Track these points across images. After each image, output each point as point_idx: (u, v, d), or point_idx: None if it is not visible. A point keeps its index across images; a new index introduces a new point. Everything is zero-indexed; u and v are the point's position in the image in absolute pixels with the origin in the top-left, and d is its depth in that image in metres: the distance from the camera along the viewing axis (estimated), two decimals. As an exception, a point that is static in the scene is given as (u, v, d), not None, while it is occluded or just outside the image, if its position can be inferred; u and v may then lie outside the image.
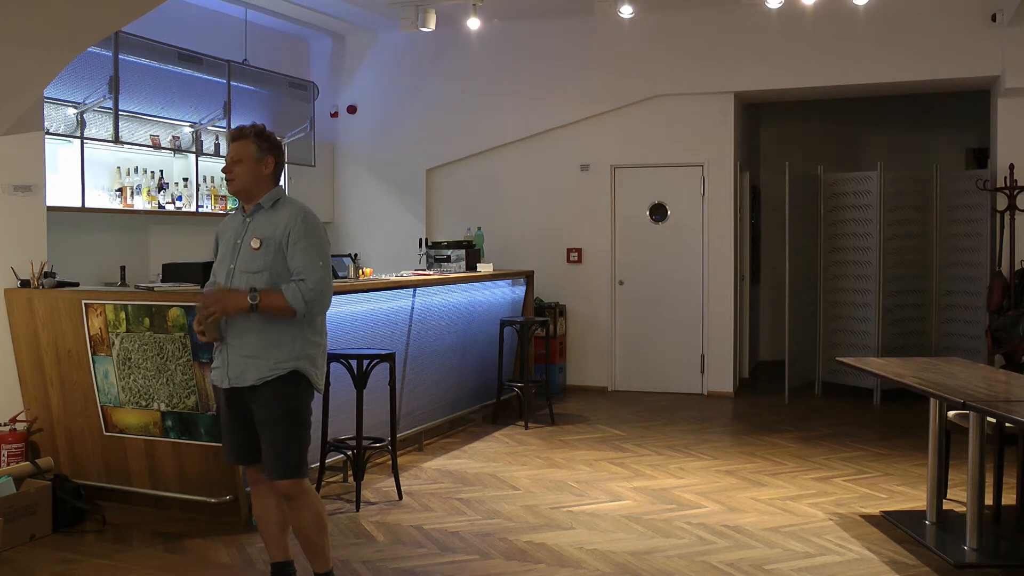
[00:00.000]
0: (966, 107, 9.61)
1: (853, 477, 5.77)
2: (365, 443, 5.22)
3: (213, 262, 3.79)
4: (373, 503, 5.20)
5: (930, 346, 8.49)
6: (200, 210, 7.52)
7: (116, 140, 6.71)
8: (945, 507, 4.84)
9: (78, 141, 6.48)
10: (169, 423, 4.84)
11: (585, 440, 6.83)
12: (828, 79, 8.34)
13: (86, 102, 6.49)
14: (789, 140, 10.73)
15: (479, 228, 8.68)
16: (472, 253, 8.10)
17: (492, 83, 9.19)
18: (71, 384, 5.07)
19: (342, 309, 5.51)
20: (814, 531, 4.69)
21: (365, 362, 5.14)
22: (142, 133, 7.08)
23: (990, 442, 4.60)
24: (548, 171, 9.11)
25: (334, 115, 9.65)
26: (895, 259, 8.41)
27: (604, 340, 8.98)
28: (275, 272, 3.53)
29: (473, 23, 8.13)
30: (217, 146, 7.78)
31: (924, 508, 4.89)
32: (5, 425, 5.02)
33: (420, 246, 8.51)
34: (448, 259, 8.07)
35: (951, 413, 4.80)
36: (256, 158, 3.63)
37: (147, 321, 4.79)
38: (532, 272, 8.40)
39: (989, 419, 4.36)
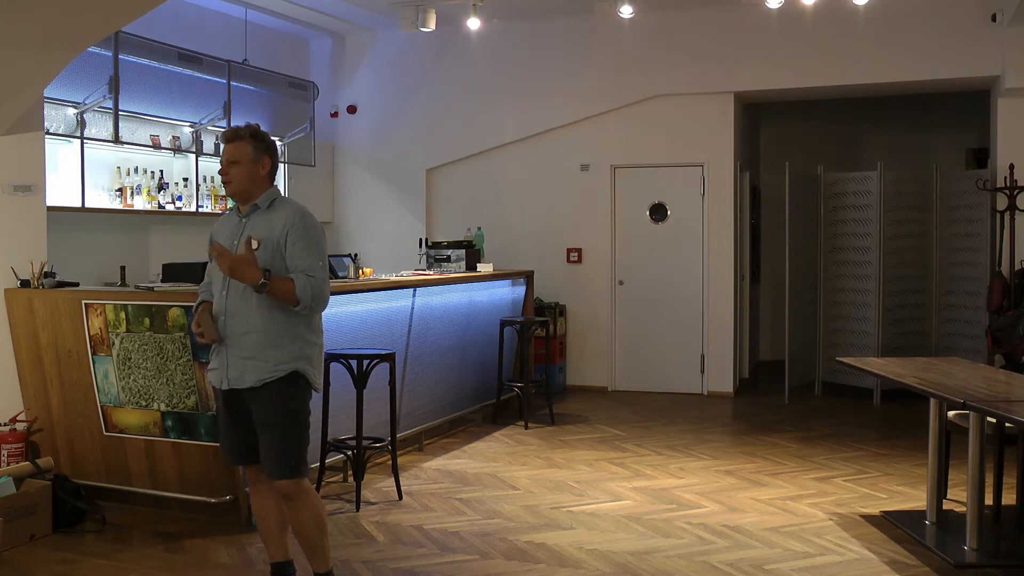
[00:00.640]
0: (966, 107, 9.61)
1: (853, 477, 5.77)
2: (365, 443, 5.22)
3: (209, 263, 3.78)
4: (373, 503, 5.20)
5: (930, 346, 8.49)
6: (200, 210, 7.52)
7: (116, 140, 6.71)
8: (945, 507, 4.84)
9: (78, 141, 6.48)
10: (169, 423, 4.84)
11: (585, 440, 6.84)
12: (828, 79, 8.34)
13: (86, 102, 6.49)
14: (789, 140, 10.73)
15: (479, 228, 8.68)
16: (472, 253, 8.10)
17: (492, 83, 9.19)
18: (71, 384, 5.07)
19: (342, 309, 5.51)
20: (814, 531, 4.69)
21: (365, 362, 5.14)
22: (142, 133, 7.08)
23: (990, 442, 4.60)
24: (548, 171, 9.11)
25: (334, 115, 9.65)
26: (895, 259, 8.41)
27: (604, 340, 8.98)
28: (274, 272, 3.52)
29: (473, 23, 8.13)
30: (217, 146, 7.77)
31: (924, 508, 4.89)
32: (5, 425, 5.02)
33: (420, 246, 8.51)
34: (448, 259, 8.07)
35: (951, 413, 4.80)
36: (252, 159, 3.61)
37: (147, 321, 4.79)
38: (532, 272, 8.40)
39: (989, 419, 4.36)
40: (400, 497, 5.28)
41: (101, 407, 5.00)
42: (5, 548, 4.37)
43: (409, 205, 9.53)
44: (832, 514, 4.98)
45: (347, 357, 5.13)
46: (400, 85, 9.52)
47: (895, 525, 4.76)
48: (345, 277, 6.34)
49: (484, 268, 7.86)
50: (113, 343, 4.90)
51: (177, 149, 7.38)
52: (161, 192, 7.19)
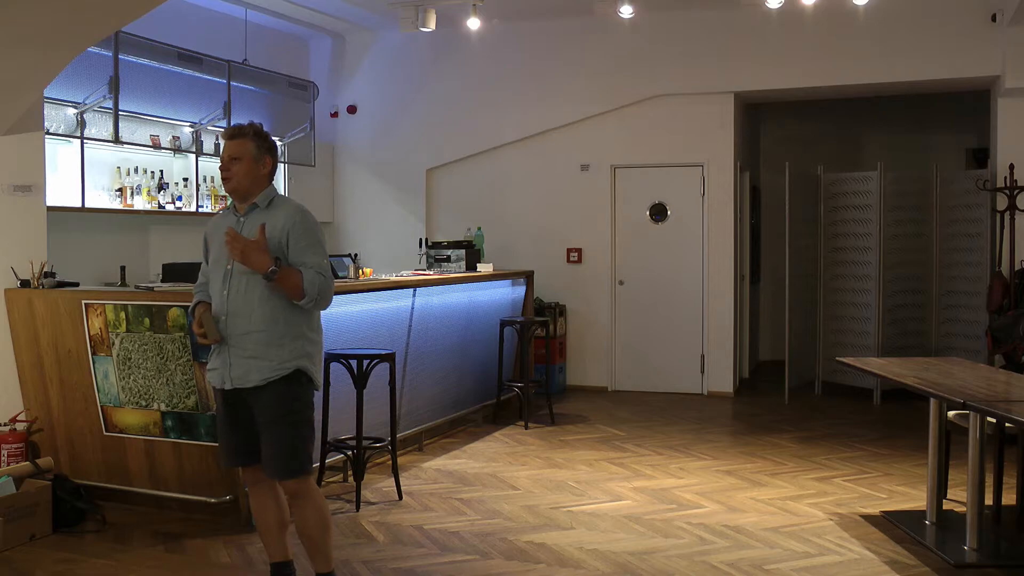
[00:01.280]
0: (966, 107, 9.61)
1: (853, 477, 5.77)
2: (365, 443, 5.22)
3: (204, 262, 3.76)
4: (373, 503, 5.20)
5: (930, 346, 8.49)
6: (200, 210, 7.51)
7: (116, 140, 6.71)
8: (945, 507, 4.84)
9: (78, 141, 6.48)
10: (169, 423, 4.84)
11: (585, 440, 6.83)
12: (828, 79, 8.34)
13: (86, 102, 6.49)
14: (789, 140, 10.73)
15: (479, 228, 8.68)
16: (472, 253, 8.10)
17: (492, 83, 9.19)
18: (71, 384, 5.07)
19: (342, 309, 5.51)
20: (814, 531, 4.69)
21: (365, 362, 5.14)
22: (142, 133, 7.08)
23: (990, 442, 4.61)
24: (548, 171, 9.11)
25: (334, 115, 9.65)
26: (895, 259, 8.41)
27: (604, 340, 8.98)
28: None
29: (473, 23, 8.13)
30: (217, 146, 7.77)
31: (924, 508, 4.88)
32: (5, 425, 5.02)
33: (420, 246, 8.51)
34: (448, 259, 8.07)
35: (951, 413, 4.80)
36: (254, 157, 3.61)
37: (147, 321, 4.79)
38: (532, 272, 8.40)
39: (989, 419, 4.36)
40: (400, 497, 5.28)
41: (101, 407, 5.00)
42: (5, 548, 4.37)
43: (409, 205, 9.53)
44: (832, 514, 4.98)
45: (347, 357, 5.13)
46: (400, 85, 9.52)
47: (895, 525, 4.76)
48: (345, 277, 6.34)
49: (484, 268, 7.86)
50: (113, 343, 4.90)
51: (177, 149, 7.38)
52: (161, 192, 7.19)
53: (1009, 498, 4.96)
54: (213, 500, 4.78)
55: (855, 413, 7.89)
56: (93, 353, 4.97)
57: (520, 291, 8.22)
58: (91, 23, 4.85)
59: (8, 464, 4.88)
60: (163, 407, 4.84)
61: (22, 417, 5.12)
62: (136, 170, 7.08)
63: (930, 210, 8.49)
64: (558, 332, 8.82)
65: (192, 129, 7.52)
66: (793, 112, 10.50)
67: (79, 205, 6.47)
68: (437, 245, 8.26)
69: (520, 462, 6.18)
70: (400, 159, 9.50)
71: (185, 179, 7.48)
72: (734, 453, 6.43)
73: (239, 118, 7.91)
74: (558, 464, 6.12)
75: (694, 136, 8.70)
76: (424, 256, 8.31)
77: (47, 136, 5.71)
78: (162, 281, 6.30)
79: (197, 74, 7.47)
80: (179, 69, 7.31)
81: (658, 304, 8.86)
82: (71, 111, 6.47)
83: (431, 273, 7.45)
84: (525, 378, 7.76)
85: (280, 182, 8.47)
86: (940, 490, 4.81)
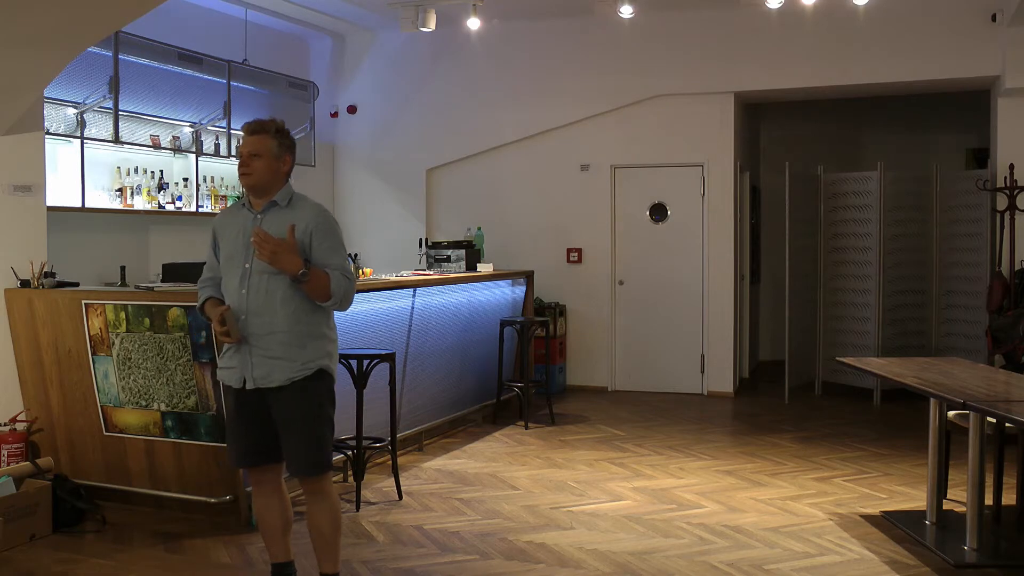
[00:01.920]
0: (966, 107, 9.60)
1: (853, 477, 5.77)
2: (365, 443, 5.22)
3: (211, 257, 3.72)
4: (373, 503, 5.20)
5: (930, 346, 8.49)
6: (200, 210, 7.51)
7: (116, 140, 6.71)
8: (945, 507, 4.84)
9: (78, 141, 6.47)
10: (169, 423, 4.84)
11: (585, 440, 6.83)
12: (828, 79, 8.34)
13: (86, 102, 6.49)
14: (789, 140, 10.74)
15: (479, 228, 8.68)
16: (472, 253, 8.10)
17: (492, 83, 9.19)
18: (71, 384, 5.07)
19: (342, 309, 5.51)
20: (814, 531, 4.69)
21: (365, 362, 5.14)
22: (142, 133, 7.08)
23: (990, 442, 4.61)
24: (548, 171, 9.11)
25: (334, 115, 9.65)
26: (895, 259, 8.41)
27: (604, 340, 8.98)
28: None
29: (473, 23, 8.13)
30: (217, 146, 7.78)
31: (924, 508, 4.89)
32: (5, 425, 5.02)
33: (420, 246, 8.51)
34: (448, 259, 8.07)
35: (951, 413, 4.80)
36: (275, 154, 3.57)
37: (147, 321, 4.79)
38: (532, 272, 8.40)
39: (989, 419, 4.36)
40: (400, 497, 5.28)
41: (101, 407, 5.00)
42: (5, 548, 4.37)
43: (409, 205, 9.53)
44: (832, 514, 4.98)
45: (347, 357, 5.13)
46: (400, 85, 9.52)
47: (895, 525, 4.76)
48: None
49: (484, 268, 7.86)
50: (113, 343, 4.90)
51: (177, 149, 7.38)
52: (161, 192, 7.19)
53: (1009, 498, 4.96)
54: (213, 500, 4.78)
55: (855, 413, 7.89)
56: (93, 353, 4.97)
57: (520, 291, 8.22)
58: (91, 23, 4.85)
59: (8, 464, 4.88)
60: (163, 407, 4.84)
61: (22, 417, 5.12)
62: (136, 170, 7.08)
63: (930, 210, 8.49)
64: (558, 332, 8.82)
65: (192, 129, 7.52)
66: (793, 112, 10.50)
67: (79, 205, 6.47)
68: (437, 245, 8.26)
69: (520, 462, 6.18)
70: (400, 159, 9.50)
71: (185, 179, 7.48)
72: (734, 453, 6.43)
73: (239, 118, 7.92)
74: (558, 464, 6.12)
75: (694, 136, 8.70)
76: (424, 256, 8.31)
77: (47, 136, 5.71)
78: (162, 281, 6.30)
79: (197, 74, 7.47)
80: (179, 69, 7.31)
81: (658, 304, 8.86)
82: (71, 111, 6.47)
83: (431, 273, 7.45)
84: (525, 378, 7.76)
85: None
86: (940, 490, 4.81)
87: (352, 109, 9.65)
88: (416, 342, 6.51)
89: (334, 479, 5.58)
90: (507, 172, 9.25)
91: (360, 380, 5.12)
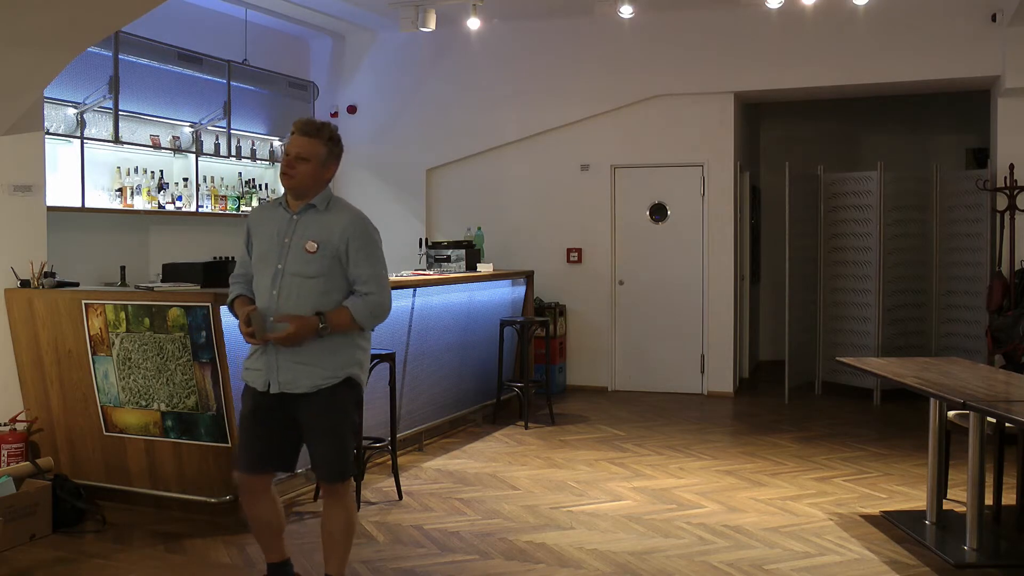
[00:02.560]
0: (966, 107, 9.61)
1: (853, 477, 5.77)
2: (365, 443, 5.22)
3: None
4: (373, 503, 5.20)
5: (930, 346, 8.49)
6: (200, 210, 7.52)
7: (116, 140, 6.72)
8: (945, 507, 4.84)
9: (78, 141, 6.48)
10: (169, 423, 4.84)
11: (585, 440, 6.83)
12: (828, 79, 8.34)
13: (86, 102, 6.49)
14: (789, 140, 10.73)
15: (479, 228, 8.68)
16: (472, 253, 8.10)
17: (492, 83, 9.19)
18: (71, 384, 5.08)
19: (342, 309, 5.50)
20: (814, 531, 4.69)
21: (365, 362, 5.13)
22: (142, 133, 7.09)
23: (990, 442, 4.61)
24: (548, 171, 9.11)
25: (334, 115, 9.65)
26: (895, 259, 8.41)
27: (604, 340, 8.98)
28: (330, 279, 3.44)
29: (473, 23, 8.12)
30: (217, 146, 7.78)
31: (924, 508, 4.89)
32: (5, 425, 5.02)
33: (420, 246, 8.51)
34: (448, 259, 8.06)
35: (951, 413, 4.80)
36: (322, 161, 3.51)
37: (147, 321, 4.79)
38: (532, 272, 8.40)
39: (989, 419, 4.36)
40: (400, 497, 5.28)
41: (101, 407, 5.00)
42: (5, 548, 4.37)
43: (409, 205, 9.53)
44: (832, 514, 4.98)
45: (347, 357, 5.12)
46: (400, 85, 9.52)
47: (895, 525, 4.76)
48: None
49: (484, 268, 7.86)
50: (113, 343, 4.90)
51: (177, 149, 7.38)
52: (161, 192, 7.19)
53: (1009, 498, 4.97)
54: (213, 500, 4.78)
55: (855, 413, 7.89)
56: (93, 353, 4.97)
57: (520, 291, 8.22)
58: (91, 23, 4.85)
59: (8, 464, 4.88)
60: (163, 407, 4.84)
61: (22, 417, 5.12)
62: (136, 170, 7.08)
63: (930, 210, 8.49)
64: (558, 332, 8.82)
65: (192, 129, 7.52)
66: (793, 112, 10.50)
67: (79, 205, 6.47)
68: (437, 245, 8.26)
69: (520, 462, 6.18)
70: (400, 159, 9.50)
71: (185, 179, 7.48)
72: (734, 453, 6.43)
73: (239, 118, 7.93)
74: (558, 464, 6.12)
75: (694, 136, 8.70)
76: (424, 256, 8.31)
77: (47, 136, 5.71)
78: (162, 281, 6.30)
79: (197, 74, 7.47)
80: (179, 69, 7.31)
81: (658, 304, 8.86)
82: (71, 111, 6.47)
83: (431, 273, 7.45)
84: (525, 378, 7.77)
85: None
86: (940, 490, 4.81)
87: (352, 109, 9.65)
88: (416, 342, 6.51)
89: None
90: (507, 172, 9.25)
91: (360, 380, 5.11)
